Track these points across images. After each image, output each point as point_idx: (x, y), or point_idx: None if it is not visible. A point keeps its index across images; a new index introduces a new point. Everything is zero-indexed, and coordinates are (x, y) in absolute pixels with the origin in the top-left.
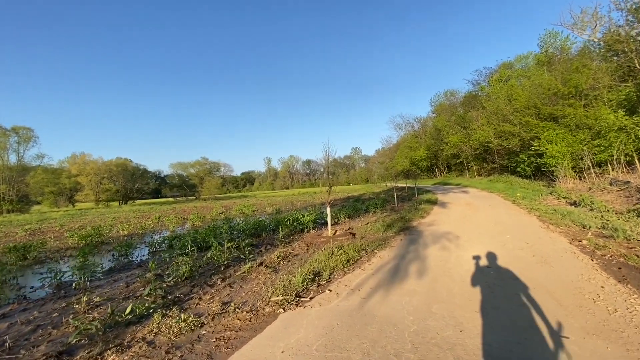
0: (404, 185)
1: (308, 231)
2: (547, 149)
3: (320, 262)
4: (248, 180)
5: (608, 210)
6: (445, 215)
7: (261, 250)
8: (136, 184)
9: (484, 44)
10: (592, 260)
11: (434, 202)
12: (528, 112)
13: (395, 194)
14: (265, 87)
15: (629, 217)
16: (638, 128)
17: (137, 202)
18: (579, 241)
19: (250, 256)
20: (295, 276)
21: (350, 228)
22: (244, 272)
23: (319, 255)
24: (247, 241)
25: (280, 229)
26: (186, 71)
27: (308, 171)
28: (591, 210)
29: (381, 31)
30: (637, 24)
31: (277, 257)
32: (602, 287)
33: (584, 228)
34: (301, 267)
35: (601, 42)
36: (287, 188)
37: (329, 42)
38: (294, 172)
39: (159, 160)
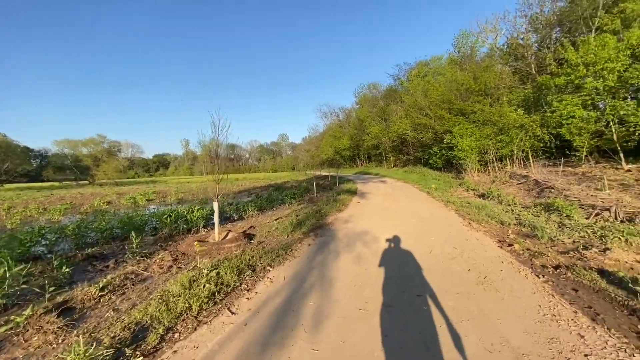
0: (327, 174)
1: (197, 231)
2: (458, 142)
3: (162, 303)
4: (162, 163)
5: (515, 204)
6: (364, 208)
7: (102, 269)
8: (5, 164)
9: (406, 39)
10: (538, 277)
11: (354, 192)
12: (443, 106)
13: (314, 184)
14: (187, 70)
15: (537, 212)
16: (535, 126)
17: (6, 186)
18: (509, 245)
19: (51, 290)
20: (104, 337)
21: (251, 227)
22: (11, 328)
23: (173, 284)
24: (88, 251)
25: (142, 233)
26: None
27: (232, 156)
28: (500, 203)
29: (306, 20)
30: (533, 33)
31: (106, 287)
32: (581, 335)
33: (502, 225)
34: (113, 324)
35: (504, 47)
36: (208, 174)
37: (254, 29)
38: (216, 156)
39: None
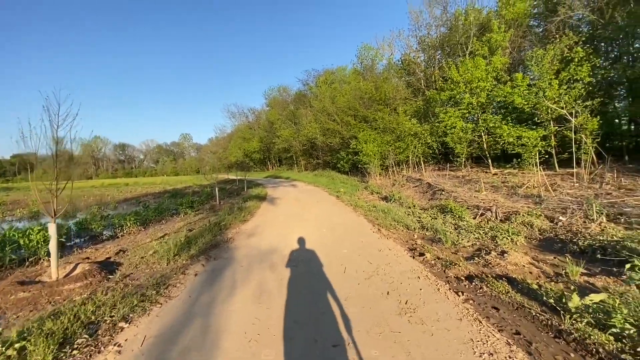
0: (236, 177)
1: (36, 263)
2: (362, 147)
3: None
4: (24, 165)
5: (414, 206)
6: (273, 216)
7: None
8: None
9: (314, 46)
10: (458, 295)
11: (263, 198)
12: (348, 112)
13: (216, 189)
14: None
15: (434, 214)
16: (426, 134)
17: None
18: (421, 255)
19: None
20: None
21: (120, 251)
22: None
23: None
24: None
25: None
26: None
27: (122, 157)
28: (401, 205)
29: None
30: (421, 53)
31: None
32: None
33: (408, 229)
34: None
35: (399, 62)
36: (90, 178)
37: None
38: (100, 157)
39: None
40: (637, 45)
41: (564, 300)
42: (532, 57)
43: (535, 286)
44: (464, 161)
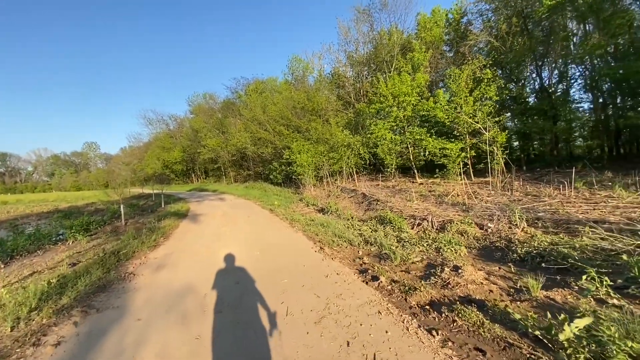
0: (153, 191)
1: None
2: (296, 158)
3: None
4: None
5: (353, 217)
6: (193, 238)
7: None
8: None
9: (243, 54)
10: (433, 336)
11: (184, 215)
12: (281, 121)
13: (122, 207)
14: None
15: (374, 226)
16: (358, 145)
17: None
18: (374, 279)
19: None
20: None
21: None
22: None
23: None
24: None
25: None
26: None
27: (2, 169)
28: (339, 217)
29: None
30: (350, 68)
31: None
32: None
33: (351, 245)
34: None
35: (330, 75)
36: None
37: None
38: None
39: None
40: (526, 73)
41: (553, 331)
42: (450, 75)
43: (509, 310)
44: (394, 171)
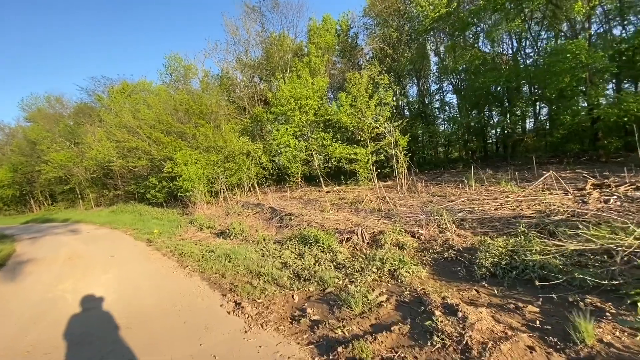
0: None
1: None
2: (182, 170)
3: None
4: None
5: (265, 240)
6: (5, 309)
7: None
8: None
9: (104, 49)
10: None
11: None
12: (159, 127)
13: None
14: None
15: (297, 248)
16: (259, 153)
17: None
18: None
19: None
20: None
21: None
22: None
23: None
24: None
25: None
26: None
27: None
28: (247, 241)
29: None
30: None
31: None
32: None
33: (282, 290)
34: None
35: (218, 76)
36: None
37: None
38: None
39: None
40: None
41: None
42: (350, 79)
43: None
44: (299, 181)
